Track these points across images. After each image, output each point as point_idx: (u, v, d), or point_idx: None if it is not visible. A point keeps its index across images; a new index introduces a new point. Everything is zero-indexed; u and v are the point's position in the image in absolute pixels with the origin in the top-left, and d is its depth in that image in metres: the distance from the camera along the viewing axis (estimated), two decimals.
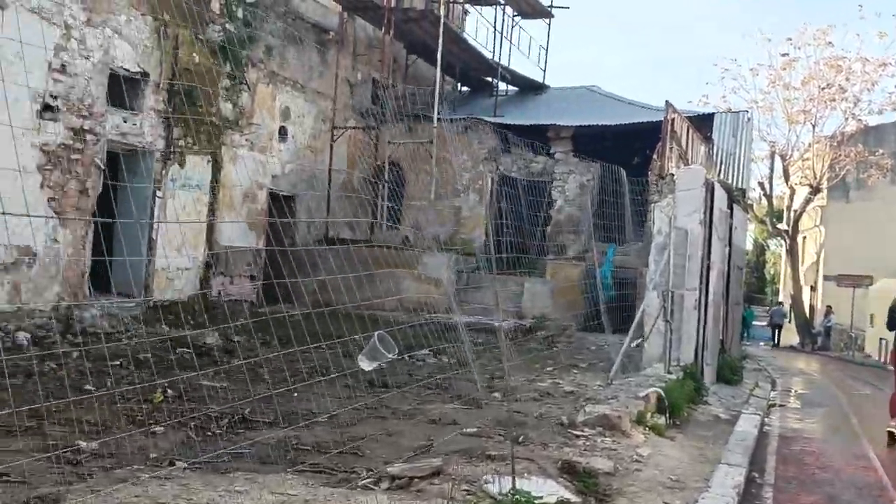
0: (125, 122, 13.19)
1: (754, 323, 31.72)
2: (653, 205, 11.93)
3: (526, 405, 8.65)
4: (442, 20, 17.07)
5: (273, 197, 16.95)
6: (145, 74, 13.52)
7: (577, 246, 17.82)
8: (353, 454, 6.11)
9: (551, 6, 23.53)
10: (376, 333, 5.30)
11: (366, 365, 5.41)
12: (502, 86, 23.61)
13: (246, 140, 16.02)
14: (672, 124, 12.15)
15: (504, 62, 22.44)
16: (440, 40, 16.93)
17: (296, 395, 8.51)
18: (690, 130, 14.06)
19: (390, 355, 5.32)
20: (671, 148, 12.05)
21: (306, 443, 6.40)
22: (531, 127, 18.77)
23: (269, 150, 16.76)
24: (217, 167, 15.25)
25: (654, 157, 12.39)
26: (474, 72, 20.78)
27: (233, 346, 11.84)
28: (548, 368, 12.59)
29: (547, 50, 23.63)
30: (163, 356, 10.78)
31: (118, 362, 10.03)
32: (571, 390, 9.61)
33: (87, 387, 8.08)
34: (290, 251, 15.44)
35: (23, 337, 10.84)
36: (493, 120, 18.95)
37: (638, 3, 65.95)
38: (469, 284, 17.28)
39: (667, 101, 12.08)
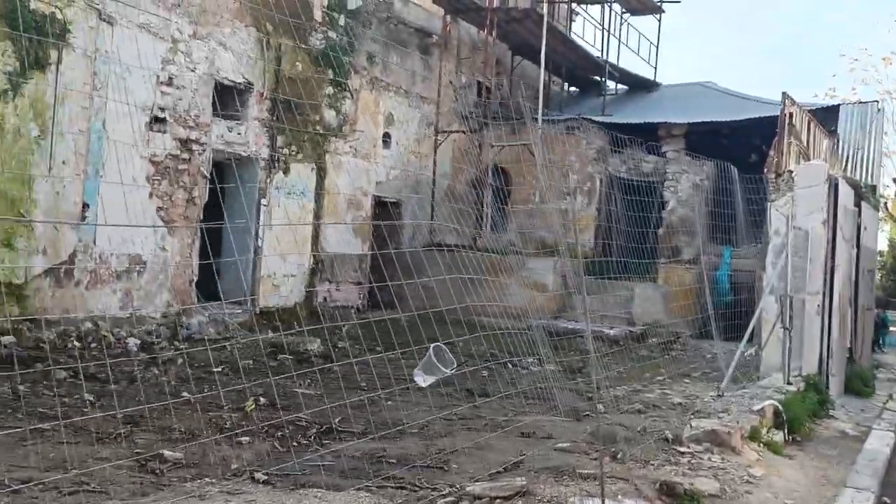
0: (230, 131, 13.43)
1: (892, 329, 29.56)
2: (769, 204, 11.14)
3: (629, 418, 8.16)
4: (545, 18, 16.64)
5: (378, 203, 16.96)
6: (249, 84, 13.73)
7: (692, 249, 16.99)
8: (438, 468, 5.83)
9: (661, 1, 22.69)
10: (432, 346, 4.98)
11: (421, 380, 5.10)
12: (612, 85, 22.97)
13: (350, 147, 16.08)
14: (790, 118, 11.33)
15: (613, 60, 21.82)
16: (543, 39, 16.51)
17: (389, 402, 8.33)
18: (812, 124, 13.12)
19: (447, 370, 5.00)
20: (789, 143, 11.23)
21: (392, 455, 6.18)
22: (641, 125, 18.08)
23: (373, 156, 16.77)
24: (321, 174, 15.36)
25: (771, 152, 11.59)
26: (581, 71, 20.25)
27: (334, 353, 11.81)
28: (658, 378, 11.99)
29: (657, 47, 22.82)
30: (264, 363, 10.87)
31: (220, 369, 10.15)
32: (680, 402, 9.03)
33: (184, 394, 8.14)
34: (395, 256, 15.39)
35: (133, 343, 11.13)
36: (599, 119, 18.36)
37: None
38: (576, 289, 16.75)
39: (784, 93, 11.27)
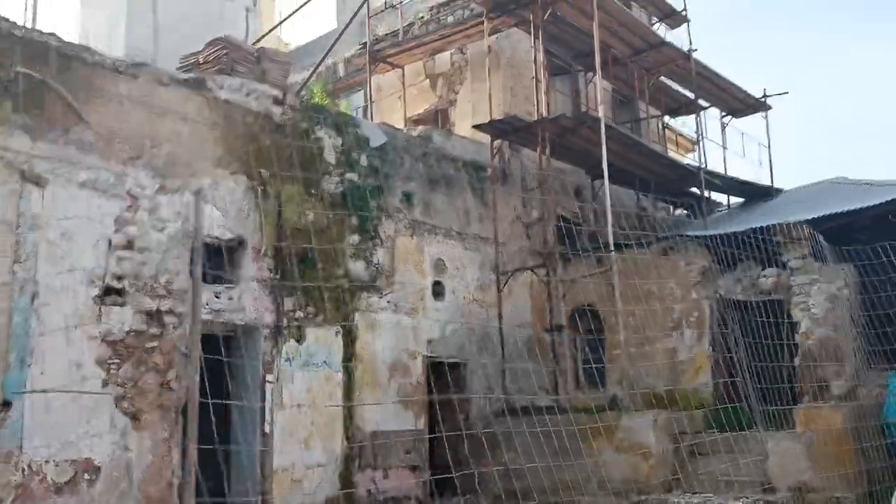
0: (217, 297, 11.23)
1: None
2: None
3: None
4: (602, 121, 13.91)
5: (433, 366, 14.08)
6: (241, 241, 11.64)
7: (843, 380, 12.88)
8: None
9: (765, 96, 19.55)
10: None
11: None
12: (722, 198, 19.69)
13: (388, 302, 13.53)
14: None
15: (718, 169, 18.68)
16: (603, 145, 13.72)
17: None
18: None
19: None
20: None
21: None
22: (752, 236, 14.54)
23: (422, 310, 14.10)
24: (350, 338, 12.80)
25: None
26: (674, 184, 17.14)
27: None
28: None
29: (769, 147, 19.46)
30: None
31: None
32: None
33: None
34: (463, 430, 12.11)
35: None
36: (696, 234, 15.02)
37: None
38: (695, 450, 12.89)
39: None
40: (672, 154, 20.64)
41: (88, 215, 9.94)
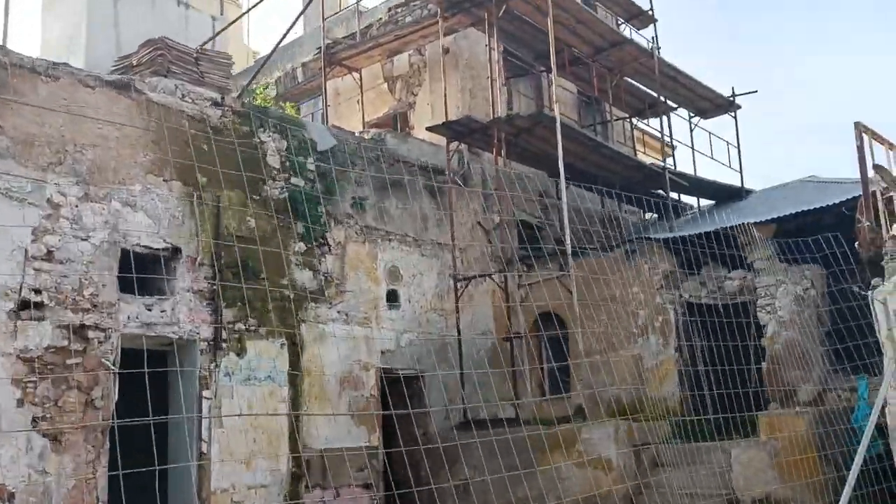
0: (149, 309, 10.64)
1: None
2: (869, 293, 6.99)
3: None
4: (558, 120, 13.38)
5: (388, 378, 13.48)
6: (175, 250, 11.06)
7: (810, 385, 12.39)
8: None
9: (733, 96, 19.11)
10: None
11: None
12: (693, 201, 19.22)
13: (338, 312, 12.95)
14: (874, 156, 7.34)
15: (689, 171, 18.22)
16: (559, 144, 13.20)
17: None
18: None
19: None
20: (886, 192, 7.20)
21: None
22: (716, 237, 14.06)
23: (375, 320, 13.52)
24: (296, 351, 12.21)
25: (858, 217, 7.59)
26: (638, 185, 16.61)
27: None
28: None
29: (738, 148, 18.99)
30: None
31: None
32: None
33: None
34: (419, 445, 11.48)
35: None
36: (658, 236, 14.51)
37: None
38: (659, 461, 12.35)
39: (856, 124, 7.34)
40: (642, 156, 20.14)
41: (2, 225, 9.32)
